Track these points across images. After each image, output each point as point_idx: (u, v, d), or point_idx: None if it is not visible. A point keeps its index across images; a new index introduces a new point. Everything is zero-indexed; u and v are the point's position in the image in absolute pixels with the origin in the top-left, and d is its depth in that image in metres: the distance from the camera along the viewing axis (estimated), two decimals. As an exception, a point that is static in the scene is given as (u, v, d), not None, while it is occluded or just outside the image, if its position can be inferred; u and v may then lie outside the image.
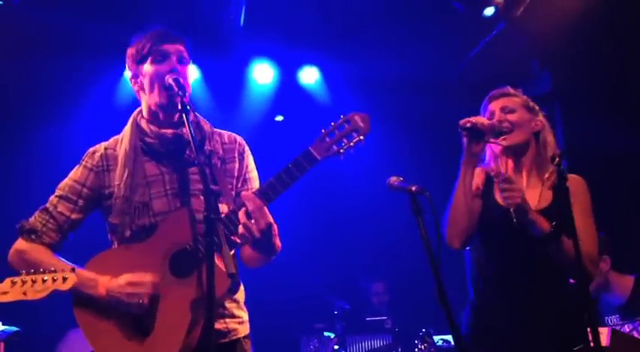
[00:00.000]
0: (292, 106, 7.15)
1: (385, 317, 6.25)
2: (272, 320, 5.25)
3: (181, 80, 2.58)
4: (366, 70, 6.54)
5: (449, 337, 5.19)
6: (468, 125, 2.86)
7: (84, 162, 2.76)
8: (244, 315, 2.77)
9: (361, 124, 2.49)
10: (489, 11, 5.71)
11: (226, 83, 6.72)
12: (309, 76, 6.87)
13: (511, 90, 3.14)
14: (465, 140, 2.91)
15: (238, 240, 2.45)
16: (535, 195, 2.98)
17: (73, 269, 2.50)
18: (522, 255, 2.89)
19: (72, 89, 6.32)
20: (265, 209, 2.42)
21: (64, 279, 2.50)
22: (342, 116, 2.52)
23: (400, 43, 6.25)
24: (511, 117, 2.99)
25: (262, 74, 6.74)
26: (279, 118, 7.30)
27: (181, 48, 2.70)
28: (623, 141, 4.74)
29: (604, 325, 4.44)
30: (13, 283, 2.49)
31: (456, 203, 2.90)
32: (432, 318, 5.55)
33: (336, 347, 5.80)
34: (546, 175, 3.00)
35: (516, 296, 2.86)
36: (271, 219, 2.43)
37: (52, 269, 2.48)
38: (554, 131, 5.57)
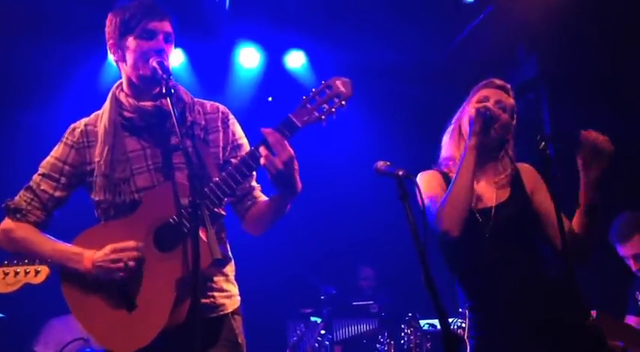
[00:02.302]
0: (278, 91, 7.11)
1: (371, 302, 6.27)
2: (258, 305, 5.24)
3: (165, 62, 2.55)
4: (353, 55, 6.51)
5: (435, 321, 5.21)
6: (488, 113, 2.84)
7: (65, 139, 2.74)
8: (233, 289, 2.75)
9: (342, 89, 2.46)
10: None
11: (212, 67, 6.66)
12: (296, 61, 6.82)
13: (509, 88, 3.11)
14: (477, 125, 2.84)
15: (223, 212, 2.41)
16: (491, 191, 2.98)
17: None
18: (500, 246, 2.87)
19: (55, 72, 6.24)
20: (286, 142, 2.40)
21: (37, 272, 2.49)
22: (322, 81, 2.49)
23: (387, 28, 6.21)
24: (503, 116, 2.94)
25: (248, 58, 6.69)
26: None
27: (168, 26, 2.65)
28: (610, 125, 4.72)
29: (635, 302, 4.43)
30: None
31: (460, 189, 2.81)
32: (417, 303, 5.58)
33: (322, 331, 5.81)
34: (499, 173, 3.00)
35: (512, 286, 2.83)
36: (292, 153, 2.41)
37: (26, 261, 2.48)
38: (541, 116, 5.59)
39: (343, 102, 2.46)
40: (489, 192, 2.97)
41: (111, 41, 2.70)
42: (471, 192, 2.83)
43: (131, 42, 2.62)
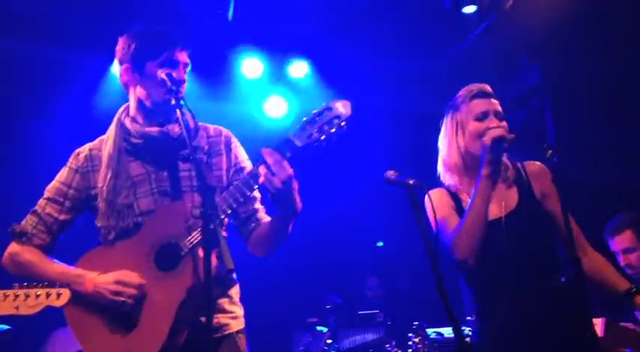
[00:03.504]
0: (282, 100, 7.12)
1: (377, 311, 6.25)
2: (264, 315, 5.24)
3: (174, 74, 2.60)
4: (356, 65, 6.52)
5: (442, 329, 5.21)
6: (498, 140, 2.81)
7: (69, 164, 2.78)
8: (238, 310, 2.76)
9: (342, 110, 2.47)
10: (470, 9, 5.69)
11: (214, 77, 6.67)
12: (299, 70, 6.83)
13: (492, 92, 3.08)
14: (489, 154, 2.81)
15: (225, 234, 2.41)
16: (497, 201, 2.95)
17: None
18: (519, 259, 2.86)
19: (53, 82, 6.25)
20: (285, 162, 2.42)
21: (59, 295, 2.52)
22: (322, 103, 2.50)
23: (390, 37, 6.24)
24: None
25: (251, 69, 6.69)
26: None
27: (187, 58, 2.70)
28: (612, 132, 4.74)
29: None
30: (6, 296, 2.51)
31: (475, 219, 2.79)
32: (423, 311, 5.58)
33: (329, 341, 5.79)
34: (506, 175, 2.99)
35: (527, 303, 2.82)
36: (291, 172, 2.43)
37: (46, 283, 2.50)
38: (544, 123, 5.59)
39: (343, 124, 2.47)
40: (497, 200, 2.94)
41: (126, 65, 2.72)
42: (486, 222, 2.81)
43: (152, 69, 2.65)
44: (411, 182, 2.52)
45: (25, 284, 2.57)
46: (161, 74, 2.58)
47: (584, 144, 5.08)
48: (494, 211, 2.91)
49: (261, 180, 2.43)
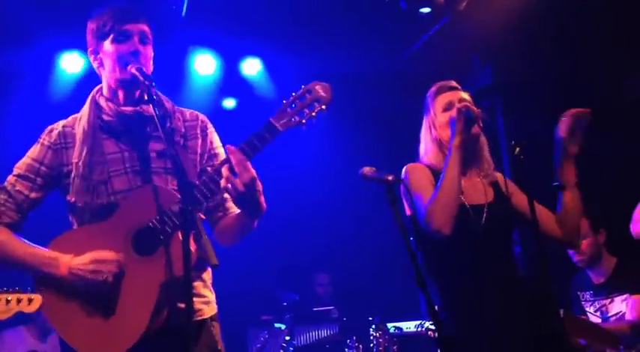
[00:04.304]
0: (235, 98, 7.08)
1: (332, 307, 6.28)
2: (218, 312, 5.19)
3: (144, 68, 2.55)
4: (309, 63, 6.54)
5: (400, 324, 5.31)
6: (464, 110, 2.93)
7: (41, 140, 2.70)
8: (210, 295, 2.73)
9: (323, 94, 2.47)
10: (425, 10, 5.77)
11: (167, 73, 6.59)
12: (252, 68, 6.81)
13: (459, 85, 3.20)
14: (460, 124, 2.92)
15: (202, 216, 2.44)
16: (480, 189, 3.06)
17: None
18: (489, 245, 2.96)
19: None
20: (248, 163, 2.39)
21: (30, 301, 2.45)
22: (302, 86, 2.50)
23: (344, 36, 6.28)
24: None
25: (204, 65, 6.64)
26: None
27: (144, 27, 2.65)
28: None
29: (577, 299, 4.55)
30: None
31: (448, 188, 2.88)
32: (376, 307, 5.64)
33: (287, 337, 5.79)
34: (483, 173, 3.10)
35: (494, 288, 2.91)
36: (254, 174, 2.40)
37: (17, 288, 2.42)
38: (495, 123, 5.71)
39: (323, 107, 2.46)
40: (479, 189, 3.05)
41: (90, 48, 2.70)
42: (459, 191, 2.90)
43: (107, 46, 2.62)
44: (389, 178, 2.57)
45: None
46: (132, 69, 2.52)
47: (535, 143, 5.18)
48: (476, 198, 3.01)
49: (222, 182, 2.40)
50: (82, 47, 5.91)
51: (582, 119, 2.96)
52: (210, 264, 2.18)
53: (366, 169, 2.68)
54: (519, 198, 3.08)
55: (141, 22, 2.63)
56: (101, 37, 2.62)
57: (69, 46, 6.16)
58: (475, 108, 2.97)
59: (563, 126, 2.95)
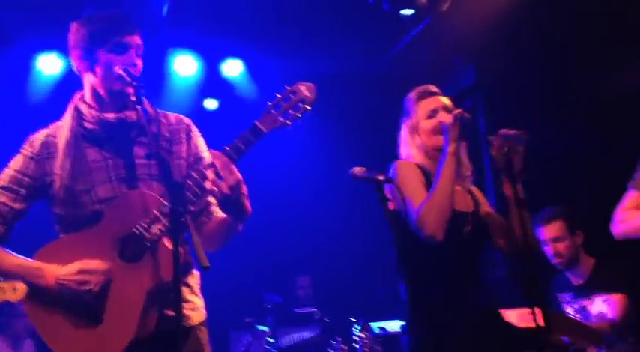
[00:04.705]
0: (216, 99, 7.05)
1: (314, 309, 6.27)
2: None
3: (131, 70, 2.53)
4: (291, 65, 6.51)
5: (384, 324, 5.37)
6: (460, 116, 2.92)
7: (24, 151, 2.67)
8: (198, 301, 2.71)
9: (307, 94, 2.46)
10: (407, 12, 5.78)
11: (147, 74, 6.52)
12: (233, 69, 6.77)
13: (438, 90, 3.18)
14: (455, 131, 2.90)
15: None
16: (463, 196, 3.08)
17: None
18: (469, 253, 3.00)
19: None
20: (233, 166, 2.38)
21: (14, 290, 2.42)
22: (287, 87, 2.49)
23: (326, 37, 6.27)
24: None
25: (185, 66, 6.59)
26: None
27: (139, 39, 2.64)
28: (542, 132, 4.89)
29: (556, 301, 4.56)
30: None
31: (443, 194, 2.85)
32: (358, 308, 5.65)
33: (271, 340, 5.76)
34: (460, 178, 3.09)
35: (469, 294, 2.94)
36: (240, 177, 2.39)
37: (0, 279, 2.39)
38: (477, 123, 5.71)
39: (308, 107, 2.46)
40: (462, 196, 3.05)
41: (78, 51, 2.66)
42: (452, 198, 2.88)
43: (102, 55, 2.58)
44: (381, 178, 2.58)
45: None
46: (118, 70, 2.51)
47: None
48: (462, 205, 3.01)
49: (208, 185, 2.39)
50: (60, 48, 6.01)
51: (516, 139, 2.88)
52: (202, 266, 2.15)
53: (357, 169, 2.68)
54: (488, 208, 3.13)
55: (137, 34, 2.63)
56: (96, 44, 2.59)
57: (46, 48, 6.11)
58: (466, 114, 2.96)
59: (493, 146, 2.92)
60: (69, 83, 6.21)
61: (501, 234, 3.04)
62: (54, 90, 6.21)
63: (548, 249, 4.49)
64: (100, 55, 2.58)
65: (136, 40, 2.62)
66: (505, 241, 3.03)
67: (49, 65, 6.19)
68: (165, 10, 5.76)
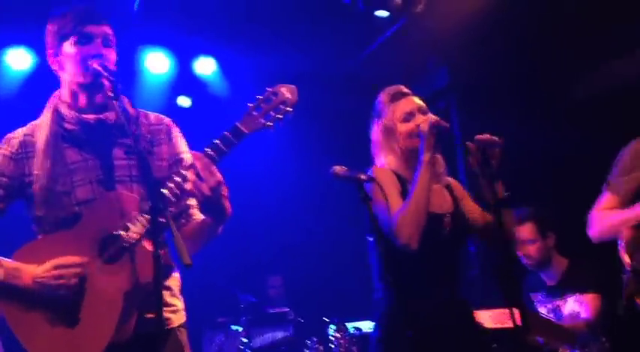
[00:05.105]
0: (189, 97, 6.98)
1: (287, 309, 6.25)
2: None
3: (106, 63, 2.48)
4: (264, 63, 6.47)
5: (359, 324, 5.38)
6: (436, 124, 2.86)
7: (2, 149, 2.61)
8: (179, 303, 2.67)
9: (288, 96, 2.45)
10: (382, 14, 5.78)
11: (118, 72, 6.43)
12: (205, 67, 6.71)
13: (410, 90, 3.15)
14: (431, 140, 2.86)
15: None
16: (441, 196, 3.04)
17: None
18: (447, 255, 2.98)
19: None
20: (214, 167, 2.36)
21: None
22: (267, 88, 2.47)
23: (300, 36, 6.25)
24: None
25: (156, 63, 6.51)
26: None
27: (107, 30, 2.58)
28: (516, 133, 4.92)
29: (529, 301, 4.58)
30: None
31: (418, 204, 2.81)
32: (332, 307, 5.65)
33: (245, 340, 5.72)
34: (437, 177, 3.05)
35: (440, 297, 2.93)
36: (221, 178, 2.36)
37: None
38: (451, 124, 5.70)
39: (289, 109, 2.44)
40: (440, 196, 3.01)
41: (50, 50, 2.62)
42: (427, 207, 2.84)
43: (68, 48, 2.54)
44: (362, 177, 2.57)
45: None
46: (93, 64, 2.45)
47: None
48: (439, 206, 2.97)
49: (188, 186, 2.36)
50: (28, 43, 5.90)
51: (492, 144, 2.84)
52: (183, 263, 2.11)
53: (337, 168, 2.66)
54: (470, 203, 3.10)
55: (103, 24, 2.57)
56: (62, 39, 2.55)
57: (15, 42, 5.99)
58: (443, 122, 2.91)
59: (470, 152, 2.90)
60: (38, 78, 6.20)
61: (483, 228, 3.02)
62: (23, 86, 6.06)
63: (519, 251, 4.51)
64: (66, 49, 2.54)
65: (103, 29, 2.56)
66: (487, 235, 3.03)
67: (17, 60, 6.07)
68: (136, 5, 5.68)
